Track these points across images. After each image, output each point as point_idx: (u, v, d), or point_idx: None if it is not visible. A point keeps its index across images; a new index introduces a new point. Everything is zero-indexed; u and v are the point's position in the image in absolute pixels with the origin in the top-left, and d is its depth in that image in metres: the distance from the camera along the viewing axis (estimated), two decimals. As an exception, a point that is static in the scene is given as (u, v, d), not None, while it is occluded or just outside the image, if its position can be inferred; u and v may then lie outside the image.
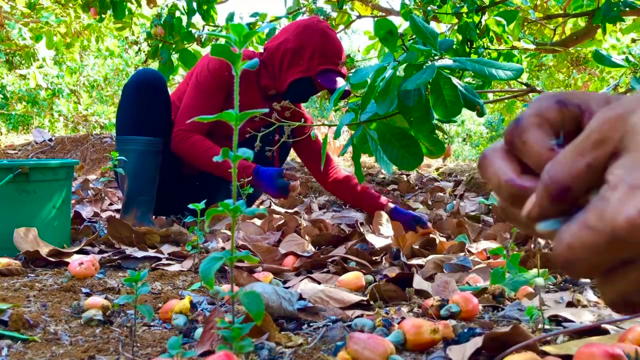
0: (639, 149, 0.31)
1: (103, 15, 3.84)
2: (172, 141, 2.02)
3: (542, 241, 1.62)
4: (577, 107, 0.39)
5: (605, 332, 0.88)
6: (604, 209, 0.31)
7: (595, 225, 0.31)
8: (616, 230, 0.30)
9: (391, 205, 2.15)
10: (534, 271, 1.07)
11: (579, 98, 0.40)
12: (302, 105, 2.36)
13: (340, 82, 2.02)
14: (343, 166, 5.18)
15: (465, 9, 2.44)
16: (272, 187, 1.90)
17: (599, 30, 3.29)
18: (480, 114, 1.36)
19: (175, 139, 2.01)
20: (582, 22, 4.17)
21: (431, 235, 1.72)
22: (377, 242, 1.71)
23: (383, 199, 2.18)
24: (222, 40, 3.67)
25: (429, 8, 2.60)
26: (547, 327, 0.93)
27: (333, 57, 2.03)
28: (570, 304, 1.08)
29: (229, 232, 1.82)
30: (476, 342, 0.78)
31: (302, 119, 2.01)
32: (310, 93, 2.13)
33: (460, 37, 2.46)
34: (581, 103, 0.39)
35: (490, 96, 3.67)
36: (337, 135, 1.49)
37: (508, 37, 2.64)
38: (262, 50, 2.19)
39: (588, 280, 1.28)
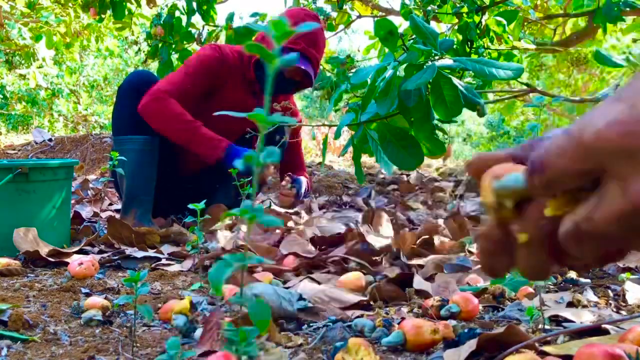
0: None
1: (103, 16, 3.84)
2: (144, 99, 1.93)
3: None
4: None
5: (606, 332, 0.88)
6: (583, 121, 0.34)
7: (572, 132, 0.34)
8: (586, 138, 0.33)
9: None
10: (534, 271, 1.07)
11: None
12: (303, 104, 2.37)
13: (297, 60, 2.01)
14: (343, 166, 5.18)
15: (465, 9, 2.44)
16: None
17: (600, 30, 3.29)
18: (481, 114, 1.36)
19: (150, 97, 1.92)
20: (582, 22, 4.17)
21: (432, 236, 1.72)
22: (377, 242, 1.71)
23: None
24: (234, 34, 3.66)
25: (429, 8, 2.60)
26: (547, 327, 0.93)
27: (299, 38, 1.99)
28: (570, 304, 1.07)
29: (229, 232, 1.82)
30: (471, 345, 0.78)
31: (289, 113, 2.04)
32: (278, 79, 2.11)
33: (460, 37, 2.46)
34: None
35: (491, 96, 3.67)
36: (337, 135, 1.49)
37: (508, 37, 2.64)
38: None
39: (589, 281, 1.28)
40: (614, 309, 1.07)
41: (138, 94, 1.99)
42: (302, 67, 2.01)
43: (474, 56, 2.45)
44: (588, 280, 1.28)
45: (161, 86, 1.96)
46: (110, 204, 2.62)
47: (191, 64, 2.04)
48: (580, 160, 0.34)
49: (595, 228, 0.34)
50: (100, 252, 1.59)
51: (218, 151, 1.88)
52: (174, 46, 3.64)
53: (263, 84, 2.07)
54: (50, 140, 4.90)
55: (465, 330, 0.85)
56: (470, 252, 1.64)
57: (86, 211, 2.24)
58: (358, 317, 1.00)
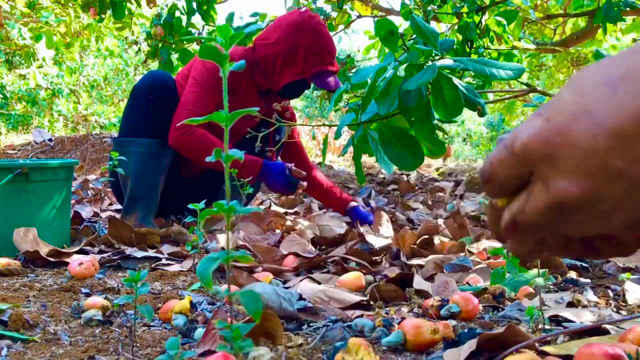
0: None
1: (103, 15, 3.84)
2: (172, 134, 1.94)
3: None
4: None
5: (606, 332, 0.88)
6: (514, 133, 0.43)
7: (506, 144, 0.43)
8: (515, 148, 0.42)
9: (353, 203, 2.23)
10: (534, 271, 1.07)
11: None
12: (303, 104, 2.41)
13: (333, 82, 2.09)
14: (343, 166, 5.18)
15: (465, 9, 2.44)
16: (279, 184, 1.90)
17: (600, 30, 3.29)
18: (481, 114, 1.36)
19: (177, 132, 1.92)
20: (582, 22, 4.17)
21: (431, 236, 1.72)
22: (377, 242, 1.71)
23: (345, 196, 2.28)
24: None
25: (429, 8, 2.61)
26: (547, 327, 0.93)
27: (326, 57, 2.07)
28: (570, 304, 1.07)
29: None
30: (471, 345, 0.78)
31: (288, 112, 2.09)
32: (304, 91, 2.19)
33: (460, 37, 2.46)
34: None
35: (491, 96, 3.67)
36: (337, 135, 1.49)
37: (508, 37, 2.64)
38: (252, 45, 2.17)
39: (588, 281, 1.28)
40: (614, 309, 1.07)
41: (153, 96, 1.98)
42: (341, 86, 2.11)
43: (474, 56, 2.45)
44: (588, 280, 1.28)
45: (187, 115, 1.92)
46: (110, 204, 2.62)
47: (204, 79, 1.98)
48: (514, 166, 0.43)
49: (526, 219, 0.43)
50: (100, 252, 1.59)
51: (254, 171, 1.90)
52: (174, 46, 3.64)
53: (285, 96, 2.12)
54: (50, 140, 4.90)
55: (465, 330, 0.85)
56: (470, 252, 1.64)
57: (86, 211, 2.24)
58: (358, 317, 1.00)
